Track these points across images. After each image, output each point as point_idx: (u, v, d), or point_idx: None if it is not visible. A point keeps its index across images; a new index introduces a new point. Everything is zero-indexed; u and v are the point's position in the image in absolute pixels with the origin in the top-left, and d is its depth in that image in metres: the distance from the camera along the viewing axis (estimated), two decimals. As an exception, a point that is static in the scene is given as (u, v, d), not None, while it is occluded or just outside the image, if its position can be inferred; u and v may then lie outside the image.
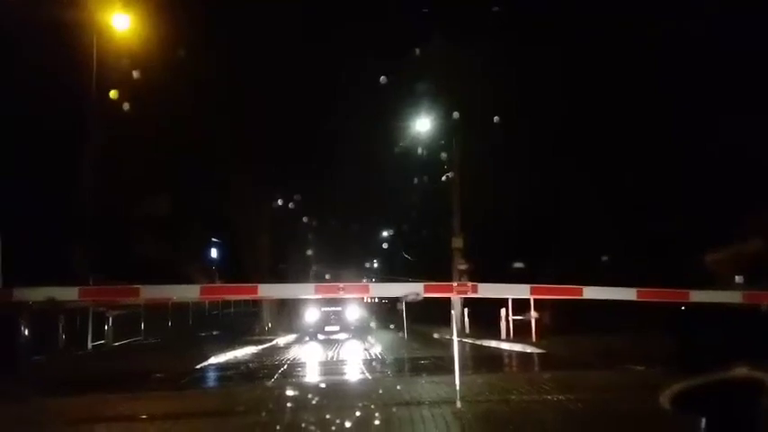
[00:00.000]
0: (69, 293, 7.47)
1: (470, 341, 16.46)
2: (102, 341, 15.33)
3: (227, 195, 24.23)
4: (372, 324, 27.44)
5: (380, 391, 7.96)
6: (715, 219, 13.26)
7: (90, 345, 14.65)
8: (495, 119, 17.55)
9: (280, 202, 26.11)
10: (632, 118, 15.18)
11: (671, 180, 14.54)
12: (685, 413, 1.53)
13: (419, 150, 22.19)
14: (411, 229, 32.47)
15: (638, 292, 7.26)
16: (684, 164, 14.09)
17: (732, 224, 13.23)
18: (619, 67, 15.45)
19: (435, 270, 19.84)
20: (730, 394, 1.49)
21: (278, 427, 5.71)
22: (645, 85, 14.94)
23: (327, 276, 31.31)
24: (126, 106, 15.45)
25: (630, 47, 14.87)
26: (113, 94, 14.68)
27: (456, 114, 19.10)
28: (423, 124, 21.06)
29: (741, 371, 1.51)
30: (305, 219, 31.77)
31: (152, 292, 7.14)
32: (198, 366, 11.92)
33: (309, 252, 36.18)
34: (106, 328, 15.60)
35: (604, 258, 17.11)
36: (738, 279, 13.04)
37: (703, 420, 1.51)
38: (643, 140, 15.07)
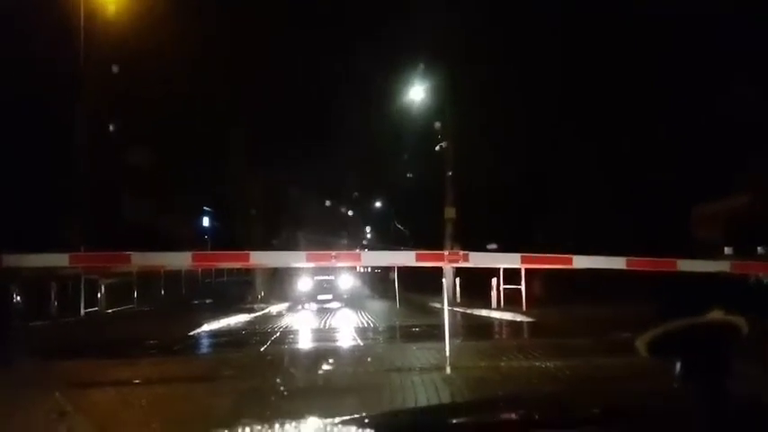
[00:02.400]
0: (59, 260, 7.45)
1: (461, 310, 16.61)
2: (96, 308, 15.37)
3: (221, 165, 24.15)
4: (365, 293, 27.63)
5: (371, 358, 8.05)
6: (708, 178, 13.34)
7: (83, 312, 14.70)
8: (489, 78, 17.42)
9: (274, 172, 26.06)
10: (629, 84, 15.10)
11: (666, 143, 14.58)
12: (661, 358, 1.54)
13: (413, 119, 22.04)
14: (404, 200, 32.49)
15: (626, 261, 7.31)
16: (677, 126, 14.12)
17: (724, 183, 13.35)
18: (616, 43, 15.31)
19: (428, 240, 19.92)
20: (704, 338, 1.50)
21: (270, 392, 5.77)
22: (639, 53, 14.83)
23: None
24: (116, 69, 15.24)
25: (629, 13, 14.69)
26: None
27: (450, 75, 18.89)
28: (417, 92, 20.86)
29: (716, 315, 1.52)
30: (298, 189, 31.79)
31: (143, 259, 7.13)
32: (191, 333, 12.00)
33: (302, 222, 36.27)
34: (99, 295, 15.63)
35: (598, 227, 17.23)
36: (728, 250, 13.18)
37: (678, 363, 1.52)
38: (639, 107, 15.03)
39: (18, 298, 12.12)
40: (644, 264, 7.52)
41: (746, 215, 12.93)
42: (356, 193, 37.50)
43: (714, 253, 12.22)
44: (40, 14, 13.54)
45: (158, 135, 19.37)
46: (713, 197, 13.97)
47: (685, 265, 7.22)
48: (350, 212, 41.93)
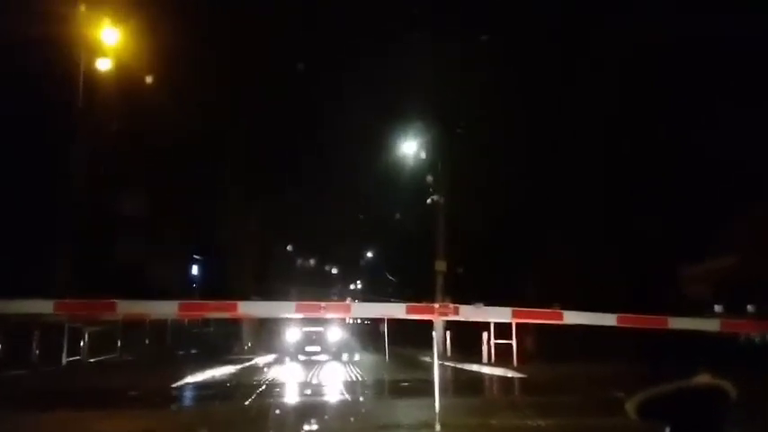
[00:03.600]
0: (44, 306, 7.33)
1: (452, 364, 16.35)
2: (78, 357, 15.01)
3: (211, 215, 24.15)
4: (354, 345, 27.19)
5: (360, 414, 7.88)
6: (693, 234, 13.40)
7: (65, 360, 14.33)
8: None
9: (263, 223, 26.08)
10: (621, 128, 15.31)
11: (656, 201, 14.73)
12: (650, 422, 1.53)
13: (406, 171, 22.26)
14: (395, 251, 32.46)
15: (617, 317, 7.28)
16: (665, 179, 14.28)
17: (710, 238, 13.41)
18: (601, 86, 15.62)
19: (418, 292, 19.79)
20: (693, 402, 1.50)
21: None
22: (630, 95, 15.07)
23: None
24: (114, 125, 15.46)
25: (619, 58, 15.03)
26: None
27: (443, 130, 19.20)
28: (410, 146, 21.17)
29: (703, 378, 1.52)
30: (289, 245, 31.80)
31: (129, 307, 7.02)
32: (174, 385, 11.70)
33: (292, 274, 36.07)
34: (82, 344, 15.29)
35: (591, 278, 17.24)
36: (718, 308, 13.19)
37: (667, 429, 1.51)
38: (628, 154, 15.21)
39: (-1, 345, 11.86)
40: (635, 321, 7.48)
41: (737, 274, 12.99)
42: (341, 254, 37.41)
43: (704, 311, 12.22)
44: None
45: (149, 180, 19.44)
46: (704, 254, 14.06)
47: (676, 323, 7.20)
48: (334, 270, 41.66)
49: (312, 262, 37.77)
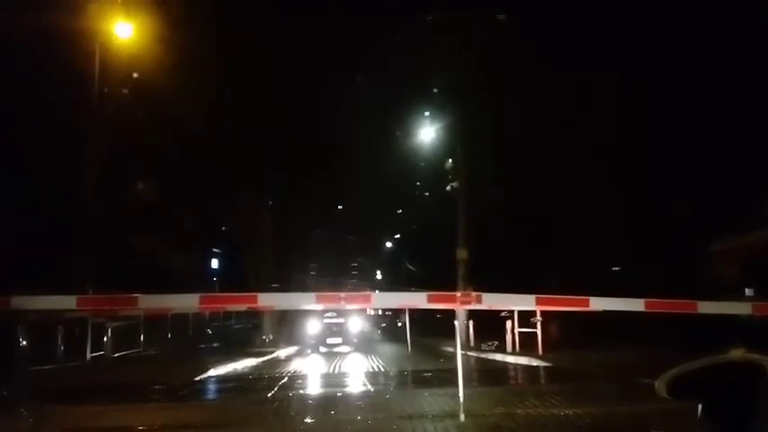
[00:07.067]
0: (67, 302, 7.36)
1: (475, 354, 16.26)
2: (101, 352, 15.15)
3: (229, 206, 24.19)
4: (375, 336, 27.22)
5: (383, 404, 7.81)
6: (722, 210, 13.11)
7: (89, 356, 14.48)
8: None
9: (282, 214, 26.05)
10: (639, 111, 15.01)
11: (677, 180, 14.41)
12: (682, 399, 1.48)
13: (423, 160, 22.08)
14: (415, 240, 32.34)
15: (646, 302, 7.10)
16: (690, 159, 13.94)
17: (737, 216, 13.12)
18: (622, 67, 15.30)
19: (439, 281, 19.66)
20: (726, 379, 1.44)
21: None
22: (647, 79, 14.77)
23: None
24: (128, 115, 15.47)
25: (637, 36, 14.66)
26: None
27: (462, 116, 18.99)
28: (427, 133, 20.96)
29: (737, 354, 1.47)
30: (307, 230, 31.73)
31: (150, 302, 7.02)
32: (197, 378, 11.76)
33: (312, 264, 36.07)
34: (105, 339, 15.43)
35: (614, 268, 16.93)
36: (749, 291, 12.83)
37: (699, 407, 1.47)
38: (650, 137, 14.92)
39: (23, 341, 11.97)
40: (664, 305, 7.30)
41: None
42: (351, 237, 37.03)
43: (735, 293, 11.91)
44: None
45: (166, 173, 19.49)
46: (733, 230, 13.69)
47: (706, 307, 7.00)
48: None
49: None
